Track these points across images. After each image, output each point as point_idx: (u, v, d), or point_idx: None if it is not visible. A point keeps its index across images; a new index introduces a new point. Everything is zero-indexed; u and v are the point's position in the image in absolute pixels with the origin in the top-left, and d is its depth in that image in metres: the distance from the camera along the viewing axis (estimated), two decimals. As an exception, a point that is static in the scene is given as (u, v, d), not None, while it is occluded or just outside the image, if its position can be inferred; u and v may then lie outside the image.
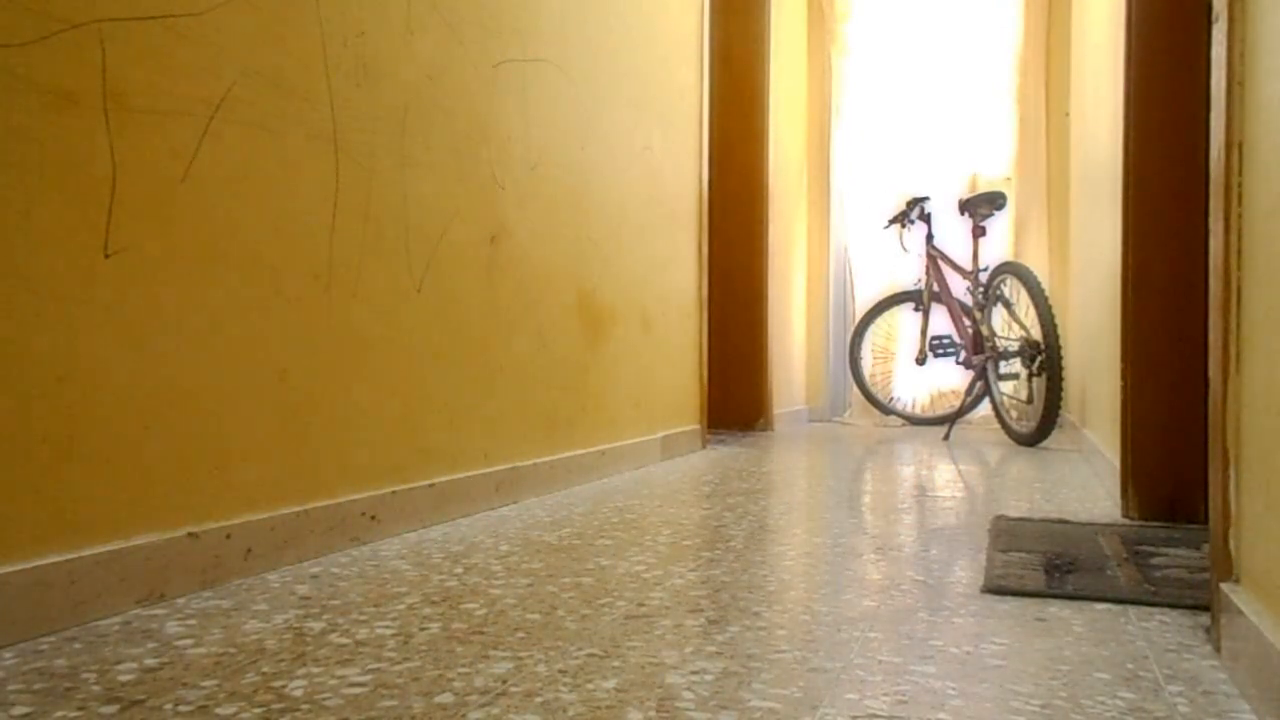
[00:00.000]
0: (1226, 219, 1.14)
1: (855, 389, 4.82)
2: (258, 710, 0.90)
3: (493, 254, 2.11)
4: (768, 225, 4.25)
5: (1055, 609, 1.31)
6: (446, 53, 1.93)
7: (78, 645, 1.10)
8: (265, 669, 1.02)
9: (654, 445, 3.01)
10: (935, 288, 4.36)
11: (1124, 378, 2.10)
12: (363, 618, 1.23)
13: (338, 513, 1.63)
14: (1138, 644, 1.15)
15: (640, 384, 2.91)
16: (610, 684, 0.99)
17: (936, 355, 4.30)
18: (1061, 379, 3.58)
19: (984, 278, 4.07)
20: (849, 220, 5.14)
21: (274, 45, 1.49)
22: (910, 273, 4.77)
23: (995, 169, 4.86)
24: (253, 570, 1.45)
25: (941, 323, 4.38)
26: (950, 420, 4.18)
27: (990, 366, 4.00)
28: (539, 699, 0.94)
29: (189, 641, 1.12)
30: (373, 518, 1.72)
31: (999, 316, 4.06)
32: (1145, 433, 2.05)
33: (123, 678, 0.99)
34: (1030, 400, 3.97)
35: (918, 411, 4.87)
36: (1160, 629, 1.22)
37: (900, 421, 4.77)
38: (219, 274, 1.40)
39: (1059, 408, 3.57)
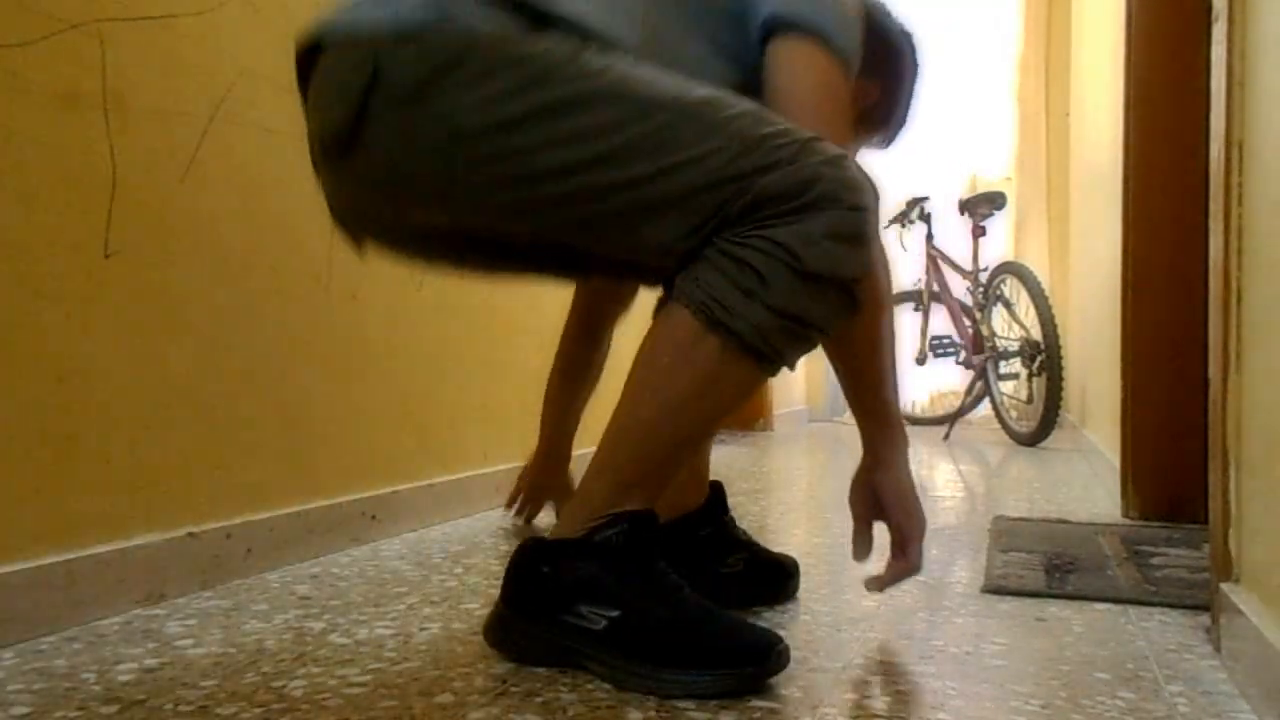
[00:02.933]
0: (1226, 219, 1.14)
1: (855, 389, 4.80)
2: (258, 710, 0.90)
3: (493, 254, 2.11)
4: (768, 225, 4.24)
5: (1055, 609, 1.31)
6: (446, 53, 1.93)
7: (78, 645, 1.10)
8: (265, 669, 1.02)
9: (654, 445, 3.00)
10: (935, 288, 4.36)
11: (1124, 378, 2.10)
12: (363, 618, 1.23)
13: (338, 513, 1.63)
14: (1138, 644, 1.15)
15: (640, 384, 2.90)
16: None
17: (936, 355, 4.30)
18: (1061, 379, 3.58)
19: (984, 278, 4.06)
20: (849, 220, 5.13)
21: (274, 45, 1.49)
22: (910, 273, 4.77)
23: (995, 169, 4.86)
24: (253, 570, 1.45)
25: (941, 323, 4.37)
26: (950, 420, 4.18)
27: (990, 366, 4.00)
28: (539, 699, 0.94)
29: (189, 641, 1.12)
30: (373, 518, 1.72)
31: (999, 316, 4.06)
32: (1145, 433, 2.05)
33: (122, 678, 0.99)
34: (1030, 400, 3.97)
35: (917, 411, 4.87)
36: (1160, 629, 1.22)
37: (900, 421, 4.76)
38: (219, 274, 1.40)
39: (1059, 408, 3.57)
